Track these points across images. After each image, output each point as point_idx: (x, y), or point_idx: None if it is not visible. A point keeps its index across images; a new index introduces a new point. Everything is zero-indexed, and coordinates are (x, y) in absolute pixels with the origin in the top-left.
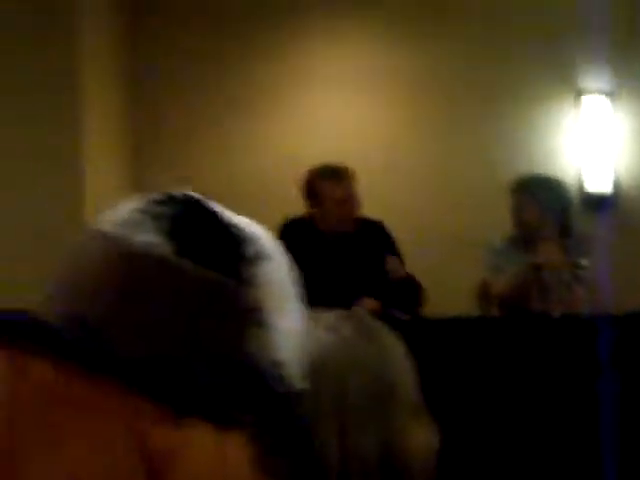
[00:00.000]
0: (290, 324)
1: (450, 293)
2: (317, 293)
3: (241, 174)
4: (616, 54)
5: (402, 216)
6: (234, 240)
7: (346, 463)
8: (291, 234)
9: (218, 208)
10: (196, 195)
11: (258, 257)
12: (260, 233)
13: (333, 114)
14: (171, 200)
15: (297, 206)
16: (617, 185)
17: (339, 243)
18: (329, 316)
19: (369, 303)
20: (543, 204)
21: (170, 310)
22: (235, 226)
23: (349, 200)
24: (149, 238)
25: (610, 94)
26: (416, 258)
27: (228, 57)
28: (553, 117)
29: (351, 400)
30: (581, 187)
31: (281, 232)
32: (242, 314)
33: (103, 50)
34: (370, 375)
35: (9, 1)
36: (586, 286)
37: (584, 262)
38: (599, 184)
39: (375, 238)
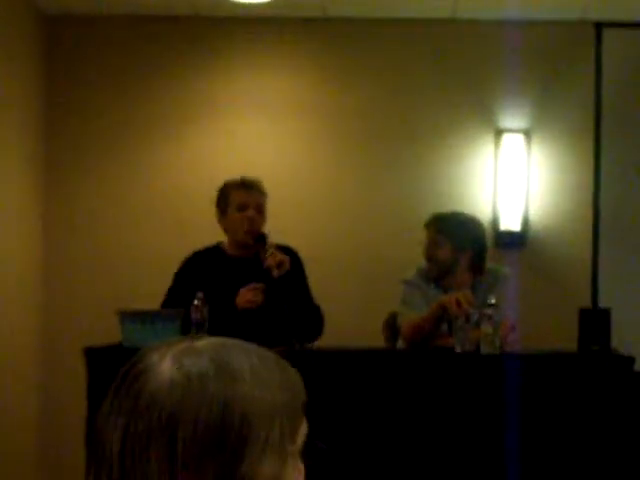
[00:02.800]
0: None
1: (362, 325)
2: (224, 318)
3: (156, 195)
4: (534, 94)
5: (316, 248)
6: None
7: None
8: (195, 264)
9: None
10: None
11: None
12: None
13: (252, 141)
14: None
15: (211, 230)
16: (526, 223)
17: (243, 265)
18: (183, 345)
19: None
20: (456, 242)
21: None
22: None
23: (255, 209)
24: None
25: (527, 133)
26: (327, 290)
27: (152, 78)
28: (472, 155)
29: (181, 451)
30: (496, 224)
31: (184, 264)
32: None
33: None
34: (209, 417)
35: None
36: (494, 324)
37: (493, 300)
38: (512, 222)
39: None
